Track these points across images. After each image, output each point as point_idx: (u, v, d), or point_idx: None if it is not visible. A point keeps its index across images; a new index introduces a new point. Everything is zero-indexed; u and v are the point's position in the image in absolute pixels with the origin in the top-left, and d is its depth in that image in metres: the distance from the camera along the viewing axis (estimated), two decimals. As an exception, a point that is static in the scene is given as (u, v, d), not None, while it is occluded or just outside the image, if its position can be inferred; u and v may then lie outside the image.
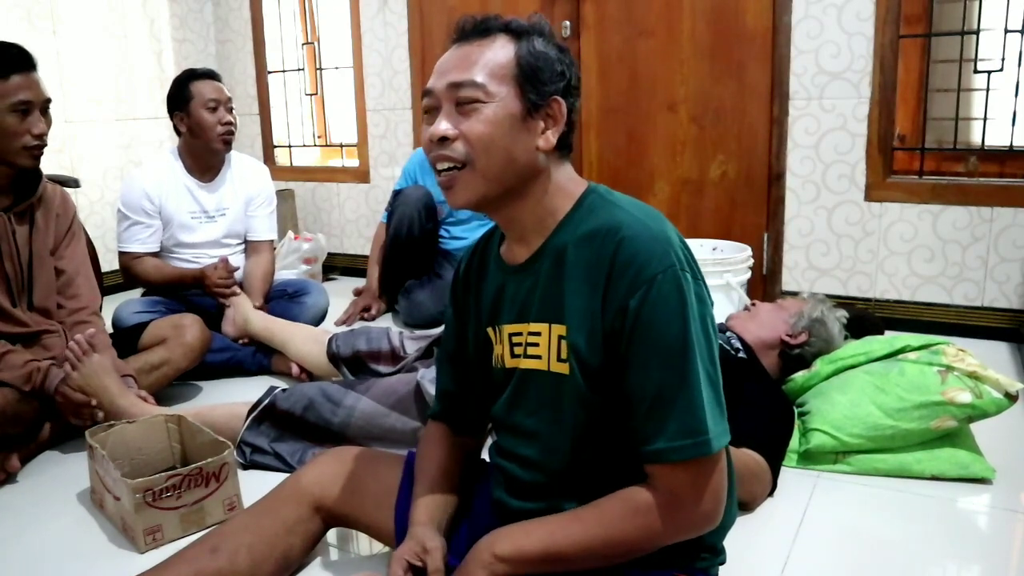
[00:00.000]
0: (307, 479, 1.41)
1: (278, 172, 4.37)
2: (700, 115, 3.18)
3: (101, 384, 2.00)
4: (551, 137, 1.10)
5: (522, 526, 1.11)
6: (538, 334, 1.13)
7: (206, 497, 1.69)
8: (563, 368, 1.10)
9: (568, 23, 3.33)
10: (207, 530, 1.58)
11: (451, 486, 1.28)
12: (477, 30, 1.11)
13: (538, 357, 1.13)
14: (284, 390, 2.02)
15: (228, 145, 2.80)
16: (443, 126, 1.07)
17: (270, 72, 4.32)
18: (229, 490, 1.72)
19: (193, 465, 1.66)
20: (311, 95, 4.30)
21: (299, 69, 4.29)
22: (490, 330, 1.22)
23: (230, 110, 2.78)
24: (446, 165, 1.09)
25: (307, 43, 4.25)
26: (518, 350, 1.16)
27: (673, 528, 1.05)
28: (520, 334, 1.15)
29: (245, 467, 1.97)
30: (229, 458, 1.71)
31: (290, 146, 4.41)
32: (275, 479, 1.54)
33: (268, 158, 4.41)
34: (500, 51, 1.09)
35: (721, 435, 1.03)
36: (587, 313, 1.06)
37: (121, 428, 1.87)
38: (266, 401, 2.00)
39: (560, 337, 1.09)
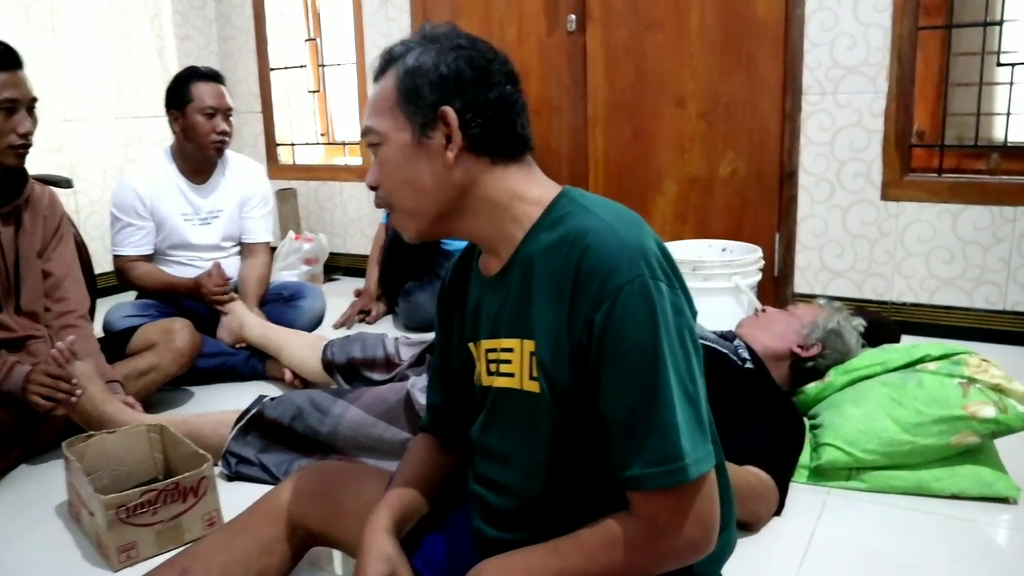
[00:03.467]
0: (285, 496, 1.35)
1: (280, 171, 4.31)
2: (709, 111, 3.08)
3: (85, 392, 1.94)
4: (454, 149, 1.01)
5: (503, 560, 1.03)
6: (510, 350, 1.04)
7: (184, 513, 1.62)
8: (535, 387, 1.01)
9: (574, 16, 3.24)
10: (185, 547, 1.51)
11: (426, 493, 1.21)
12: (379, 71, 1.07)
13: (511, 375, 1.05)
14: (272, 399, 1.97)
15: (220, 153, 2.74)
16: (369, 177, 1.08)
17: (272, 69, 4.25)
18: (208, 505, 1.65)
19: (169, 480, 1.60)
20: (314, 92, 4.24)
21: (302, 66, 4.22)
22: (471, 345, 1.14)
23: (228, 118, 2.72)
24: (384, 209, 1.10)
25: (310, 39, 4.18)
26: (492, 367, 1.08)
27: (656, 559, 0.97)
28: (495, 350, 1.08)
29: (231, 478, 1.92)
30: (208, 472, 1.64)
31: (293, 144, 4.34)
32: (260, 491, 1.47)
33: (271, 156, 4.35)
34: (386, 85, 1.04)
35: (702, 460, 0.93)
36: (554, 327, 0.98)
37: (101, 438, 1.81)
38: (254, 410, 1.94)
39: (531, 353, 1.01)
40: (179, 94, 2.68)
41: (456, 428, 1.25)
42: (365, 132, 1.07)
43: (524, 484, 1.07)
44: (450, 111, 1.00)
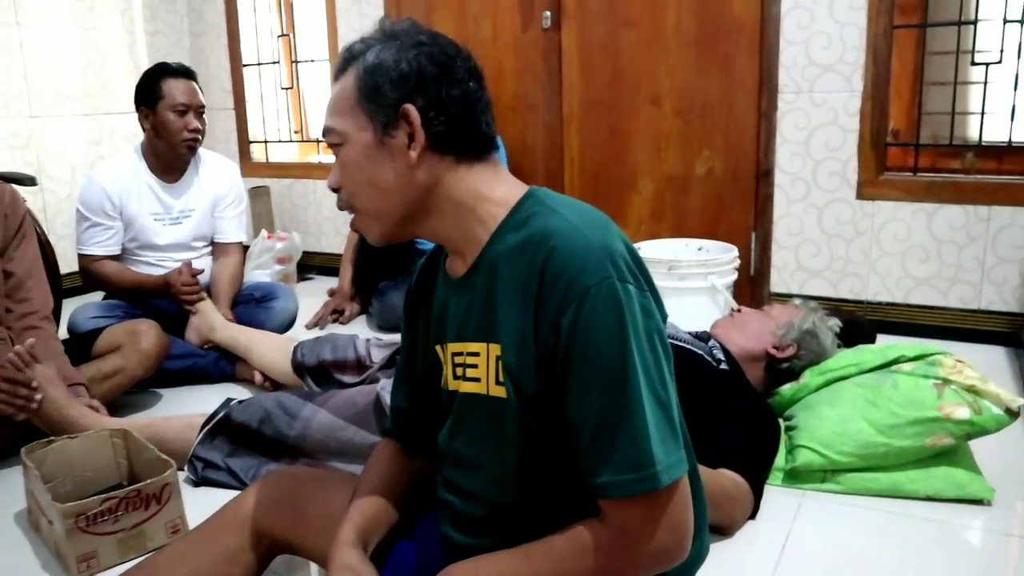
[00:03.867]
0: (250, 504, 1.31)
1: (254, 168, 4.25)
2: (685, 109, 3.06)
3: (46, 396, 1.89)
4: (417, 148, 0.98)
5: (471, 564, 1.00)
6: (476, 354, 1.02)
7: (146, 520, 1.58)
8: (501, 392, 0.99)
9: (549, 13, 3.21)
10: (148, 555, 1.47)
11: (393, 502, 1.17)
12: (339, 70, 1.04)
13: (477, 380, 1.02)
14: (240, 402, 1.92)
15: (192, 151, 2.68)
16: (330, 179, 1.05)
17: (245, 65, 4.19)
18: (172, 512, 1.61)
19: (131, 487, 1.55)
20: (287, 89, 4.18)
21: (275, 62, 4.16)
22: (438, 348, 1.11)
23: (201, 116, 2.66)
24: (347, 212, 1.07)
25: (283, 35, 4.12)
26: (459, 371, 1.05)
27: (627, 566, 0.94)
28: (461, 354, 1.05)
29: (197, 484, 1.87)
30: (171, 478, 1.60)
31: (266, 141, 4.28)
32: (227, 497, 1.43)
33: (243, 153, 4.28)
34: (346, 84, 1.01)
35: (673, 466, 0.91)
36: (519, 331, 0.95)
37: (62, 444, 1.76)
38: (221, 414, 1.90)
39: (497, 357, 0.98)
40: (149, 91, 2.62)
41: (421, 433, 1.22)
42: (326, 132, 1.03)
43: (492, 491, 1.05)
44: (412, 109, 0.97)
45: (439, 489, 1.15)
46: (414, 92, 0.97)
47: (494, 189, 1.02)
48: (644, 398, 0.89)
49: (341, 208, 1.07)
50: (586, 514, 0.95)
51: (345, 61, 1.02)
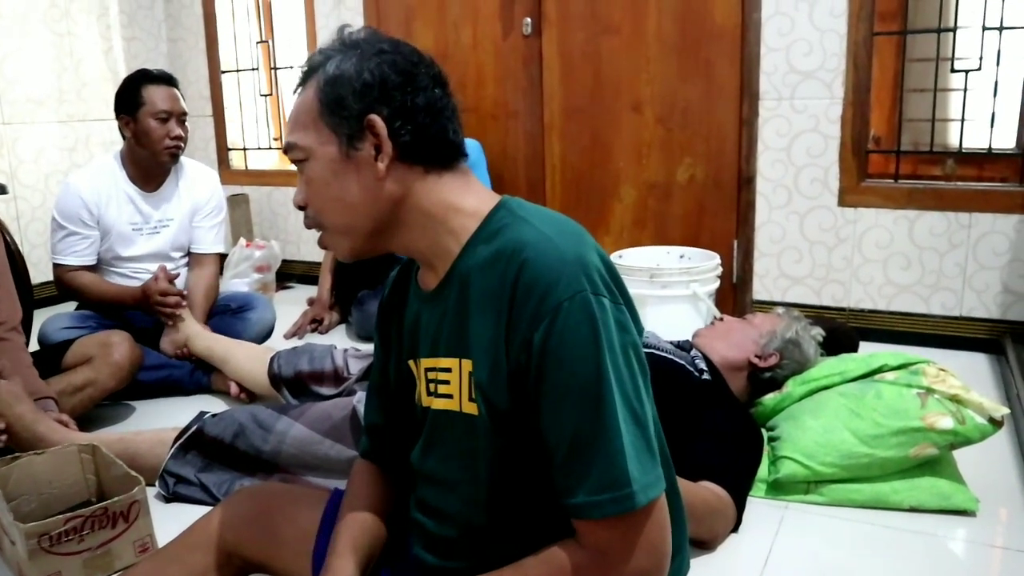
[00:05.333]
0: (219, 522, 1.28)
1: (232, 176, 4.20)
2: (667, 116, 3.04)
3: (13, 413, 1.85)
4: (384, 160, 0.95)
5: None
6: (448, 370, 0.98)
7: (114, 539, 1.53)
8: (473, 409, 0.96)
9: (529, 20, 3.19)
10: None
11: (380, 530, 1.14)
12: (299, 83, 1.01)
13: (449, 396, 0.99)
14: (214, 415, 1.88)
15: (174, 159, 2.63)
16: (296, 197, 1.02)
17: (224, 72, 4.14)
18: (141, 530, 1.57)
19: (97, 505, 1.51)
20: (266, 95, 4.13)
21: (253, 69, 4.11)
22: (411, 363, 1.08)
23: (182, 123, 2.60)
24: (314, 229, 1.03)
25: (261, 41, 4.08)
26: (431, 387, 1.02)
27: None
28: (433, 369, 1.01)
29: (168, 500, 1.83)
30: (140, 495, 1.55)
31: (245, 149, 4.23)
32: (200, 513, 1.39)
33: (222, 161, 4.23)
34: (307, 97, 0.98)
35: (650, 485, 0.88)
36: (491, 347, 0.92)
37: (28, 460, 1.71)
38: (194, 428, 1.86)
39: (469, 374, 0.95)
40: (130, 98, 2.56)
41: (397, 450, 1.18)
42: (288, 149, 1.00)
43: (465, 511, 1.01)
44: (378, 120, 0.94)
45: (412, 510, 1.11)
46: (378, 102, 0.94)
47: (464, 199, 0.98)
48: (619, 415, 0.86)
49: (308, 226, 1.03)
50: (561, 535, 0.92)
51: (305, 74, 0.99)
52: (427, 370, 1.02)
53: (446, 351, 0.98)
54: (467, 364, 0.95)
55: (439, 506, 1.05)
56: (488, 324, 0.92)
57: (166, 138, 2.56)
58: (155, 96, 2.55)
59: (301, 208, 1.02)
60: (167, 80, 2.62)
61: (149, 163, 2.62)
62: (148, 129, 2.54)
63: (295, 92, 1.01)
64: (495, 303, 0.91)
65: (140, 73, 2.63)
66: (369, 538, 1.11)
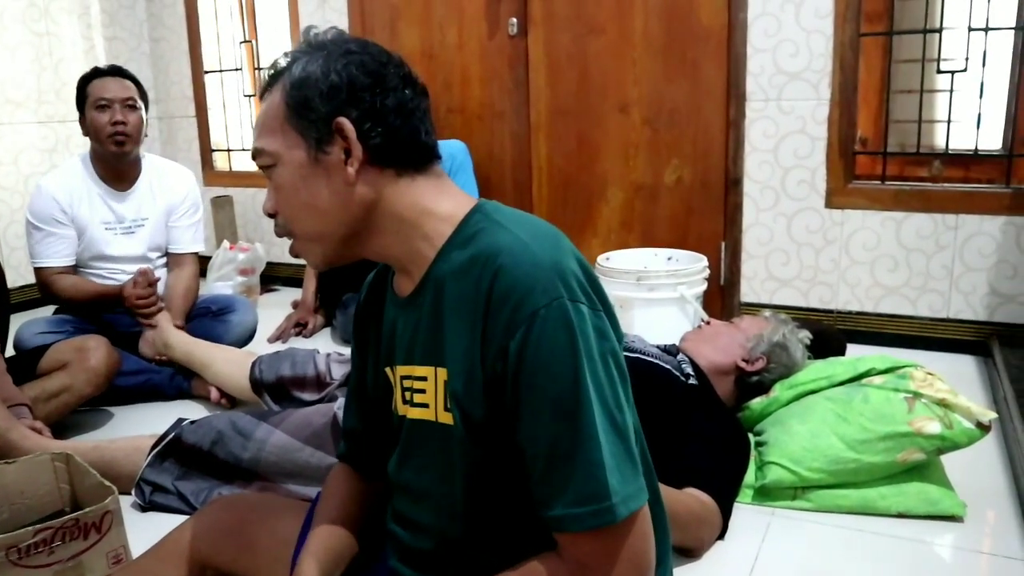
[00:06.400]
0: (193, 533, 1.26)
1: (216, 177, 4.16)
2: (653, 117, 3.02)
3: None
4: (354, 164, 0.92)
5: None
6: (424, 379, 0.96)
7: (85, 551, 1.48)
8: (449, 418, 0.93)
9: (515, 20, 3.16)
10: (87, 589, 1.40)
11: (353, 532, 1.11)
12: (264, 87, 0.98)
13: (425, 405, 0.96)
14: (192, 422, 1.85)
15: (121, 147, 2.54)
16: (266, 205, 0.99)
17: (207, 72, 4.10)
18: (114, 541, 1.52)
19: (67, 516, 1.46)
20: (250, 96, 4.09)
21: (237, 69, 4.07)
22: (388, 370, 1.05)
23: (131, 108, 2.54)
24: (285, 237, 1.00)
25: (245, 41, 4.04)
26: (407, 395, 0.99)
27: None
28: (409, 377, 0.99)
29: (145, 509, 1.79)
30: (112, 505, 1.51)
31: (229, 150, 4.19)
32: (177, 522, 1.37)
33: (206, 162, 4.19)
34: (273, 100, 0.95)
35: (631, 497, 0.85)
36: (466, 356, 0.89)
37: (-1, 469, 1.66)
38: (171, 435, 1.82)
39: (445, 383, 0.92)
40: (80, 95, 2.56)
41: (375, 455, 1.15)
42: (255, 155, 0.97)
43: (441, 523, 0.99)
44: (346, 122, 0.91)
45: (388, 520, 1.09)
46: (346, 104, 0.91)
47: (439, 203, 0.96)
48: (598, 425, 0.84)
49: (279, 235, 1.00)
50: (540, 548, 0.90)
51: (271, 77, 0.96)
52: (403, 378, 1.00)
53: (421, 359, 0.95)
54: (442, 373, 0.92)
55: (414, 518, 1.02)
56: (463, 332, 0.89)
57: (107, 125, 2.51)
58: (95, 87, 2.54)
59: (271, 216, 0.99)
60: (114, 72, 2.59)
61: (108, 158, 2.58)
62: (92, 119, 2.53)
63: (260, 97, 0.98)
64: (470, 310, 0.88)
65: (91, 71, 2.61)
66: (338, 544, 1.09)
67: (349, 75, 0.91)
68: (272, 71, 0.96)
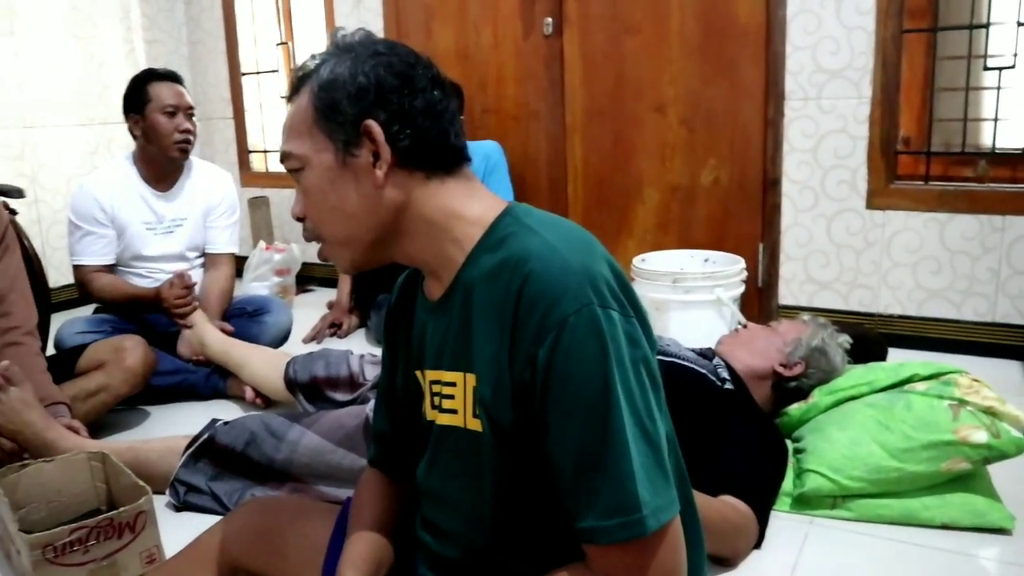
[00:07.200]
0: (224, 536, 1.25)
1: (253, 178, 4.20)
2: (690, 117, 2.98)
3: (23, 420, 1.83)
4: (383, 166, 0.91)
5: None
6: (453, 384, 0.94)
7: (119, 550, 1.50)
8: (477, 425, 0.91)
9: (550, 20, 3.14)
10: (121, 588, 1.41)
11: (389, 540, 1.10)
12: (292, 90, 0.97)
13: (454, 411, 0.95)
14: (226, 423, 1.86)
15: (185, 154, 2.64)
16: (294, 208, 0.99)
17: (244, 74, 4.14)
18: (147, 541, 1.53)
19: (102, 516, 1.48)
20: (286, 97, 4.12)
21: (274, 71, 4.11)
22: (418, 374, 1.04)
23: (190, 116, 2.62)
24: (314, 242, 1.00)
25: (282, 43, 4.07)
26: (436, 400, 0.98)
27: None
28: (438, 382, 0.97)
29: (179, 508, 1.80)
30: (146, 506, 1.52)
31: (266, 151, 4.23)
32: (210, 522, 1.37)
33: (243, 163, 4.23)
34: (301, 103, 0.94)
35: (662, 508, 0.83)
36: (495, 362, 0.88)
37: (36, 468, 1.69)
38: (205, 436, 1.83)
39: (474, 388, 0.91)
40: (137, 97, 2.59)
41: (405, 459, 1.14)
42: (283, 158, 0.96)
43: (469, 531, 0.97)
44: (374, 125, 0.90)
45: (417, 527, 1.07)
46: (374, 106, 0.90)
47: (468, 206, 0.94)
48: (629, 435, 0.82)
49: (308, 239, 1.00)
50: (568, 558, 0.88)
51: (298, 80, 0.95)
52: (432, 383, 0.99)
53: (450, 364, 0.94)
54: (471, 379, 0.91)
55: (442, 524, 1.01)
56: (492, 337, 0.88)
57: (175, 132, 2.57)
58: (161, 92, 2.57)
59: (299, 219, 0.98)
60: (172, 77, 2.64)
61: (161, 161, 2.63)
62: (156, 124, 2.56)
63: (288, 101, 0.97)
64: (499, 316, 0.87)
65: (145, 73, 2.66)
66: (377, 552, 1.07)
67: (377, 77, 0.90)
68: (300, 73, 0.95)
